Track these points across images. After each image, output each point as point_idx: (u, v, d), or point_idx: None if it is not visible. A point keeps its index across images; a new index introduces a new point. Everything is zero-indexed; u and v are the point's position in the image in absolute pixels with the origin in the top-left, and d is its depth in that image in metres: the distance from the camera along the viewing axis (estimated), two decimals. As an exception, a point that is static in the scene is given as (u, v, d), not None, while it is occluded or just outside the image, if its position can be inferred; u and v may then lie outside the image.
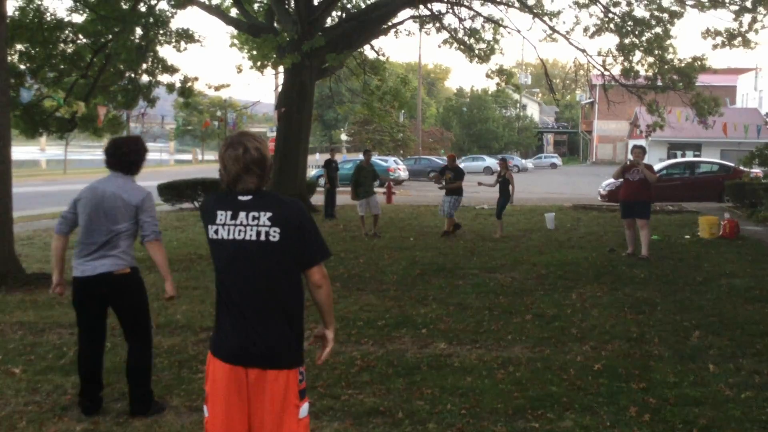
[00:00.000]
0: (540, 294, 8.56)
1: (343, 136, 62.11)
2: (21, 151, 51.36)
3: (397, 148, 49.58)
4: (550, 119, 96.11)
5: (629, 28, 19.65)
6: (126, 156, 4.62)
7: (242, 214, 2.95)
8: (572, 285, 9.07)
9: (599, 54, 22.88)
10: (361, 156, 45.16)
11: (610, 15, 20.01)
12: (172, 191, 20.47)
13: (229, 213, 2.97)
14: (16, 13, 12.93)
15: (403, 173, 37.93)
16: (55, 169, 53.59)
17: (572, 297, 8.34)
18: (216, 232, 2.97)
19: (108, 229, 4.50)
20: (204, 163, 64.79)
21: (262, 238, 2.92)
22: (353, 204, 16.38)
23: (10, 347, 6.30)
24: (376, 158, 39.50)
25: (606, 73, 20.98)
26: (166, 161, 68.09)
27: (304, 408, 3.01)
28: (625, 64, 20.16)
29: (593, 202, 22.75)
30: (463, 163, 50.28)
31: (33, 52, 13.04)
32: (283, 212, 2.95)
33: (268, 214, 2.94)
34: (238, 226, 2.94)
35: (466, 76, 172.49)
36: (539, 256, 11.53)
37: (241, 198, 2.98)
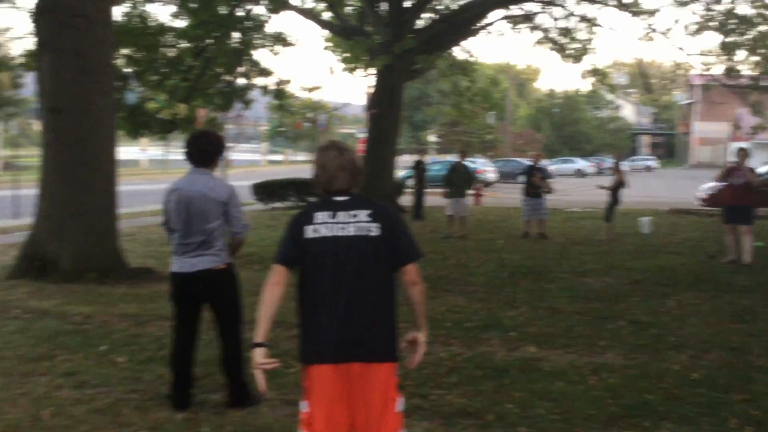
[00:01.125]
0: (635, 300, 8.32)
1: (432, 138, 62.11)
2: (123, 151, 53.72)
3: (486, 150, 49.18)
4: (646, 120, 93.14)
5: (732, 26, 18.83)
6: (204, 147, 4.72)
7: (341, 213, 3.05)
8: (669, 291, 8.78)
9: (700, 53, 22.10)
10: (450, 157, 44.91)
11: (712, 13, 19.23)
12: (265, 190, 21.00)
13: (329, 213, 3.07)
14: (123, 18, 13.57)
15: (492, 175, 37.60)
16: (155, 169, 55.85)
17: (669, 304, 8.07)
18: (315, 230, 3.05)
19: (202, 228, 4.61)
20: (295, 164, 66.14)
21: (363, 232, 3.01)
22: (441, 205, 16.37)
23: (114, 338, 6.62)
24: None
25: (707, 73, 20.20)
26: (259, 161, 69.86)
27: (401, 401, 3.08)
28: (728, 63, 19.34)
29: (690, 206, 21.90)
30: (553, 166, 49.46)
31: (138, 56, 13.64)
32: (380, 210, 3.08)
33: (367, 211, 3.05)
34: (339, 223, 3.04)
35: (557, 77, 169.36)
36: (634, 261, 11.21)
37: (336, 199, 3.08)
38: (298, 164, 63.45)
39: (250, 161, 65.33)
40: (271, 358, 3.03)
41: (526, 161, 42.91)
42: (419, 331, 3.19)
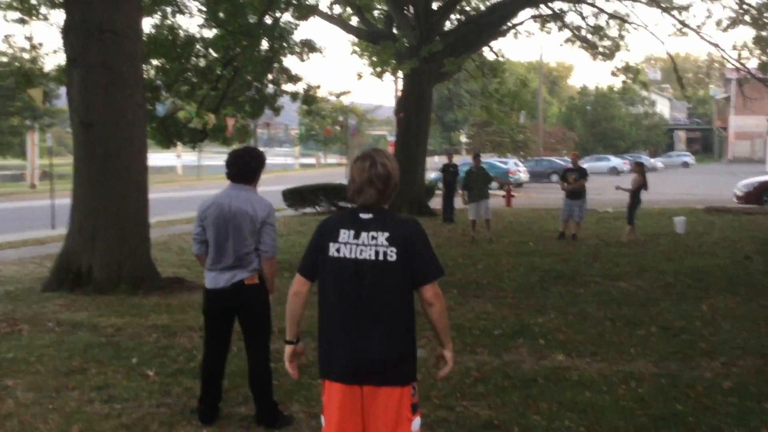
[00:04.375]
0: (667, 304, 8.19)
1: (463, 138, 61.87)
2: (159, 157, 54.35)
3: (518, 150, 48.81)
4: (681, 116, 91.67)
5: (766, 20, 18.47)
6: (247, 164, 4.69)
7: (364, 234, 3.03)
8: (702, 295, 8.63)
9: (734, 48, 21.72)
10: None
11: (745, 6, 18.87)
12: (296, 196, 21.13)
13: (352, 232, 3.06)
14: (152, 30, 13.78)
15: (524, 175, 37.34)
16: (190, 175, 56.53)
17: (702, 308, 7.93)
18: (338, 250, 3.06)
19: (238, 244, 4.59)
20: (327, 167, 66.48)
21: (380, 257, 3.00)
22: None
23: (144, 350, 6.70)
24: (495, 160, 39.19)
25: (740, 67, 19.82)
26: (291, 165, 70.41)
27: (416, 422, 3.07)
28: (763, 57, 18.96)
29: (729, 204, 21.50)
30: (586, 164, 48.91)
31: (168, 67, 13.83)
32: (399, 232, 3.03)
33: (386, 234, 3.02)
34: (360, 245, 3.03)
35: (590, 74, 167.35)
36: (667, 263, 11.04)
37: (362, 216, 3.08)
38: (330, 167, 63.80)
39: (282, 165, 65.90)
40: (301, 354, 3.44)
41: (558, 160, 42.64)
42: (444, 347, 3.20)
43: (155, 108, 12.24)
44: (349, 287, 3.03)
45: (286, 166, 67.41)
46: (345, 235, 3.06)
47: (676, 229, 15.06)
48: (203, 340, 4.98)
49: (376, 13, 23.69)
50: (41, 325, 7.64)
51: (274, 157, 50.16)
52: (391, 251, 3.00)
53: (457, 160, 25.09)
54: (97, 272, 9.26)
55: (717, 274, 9.94)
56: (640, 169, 14.46)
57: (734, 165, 56.94)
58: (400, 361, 3.03)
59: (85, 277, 9.29)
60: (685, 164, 61.99)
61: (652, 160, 58.14)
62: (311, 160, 79.75)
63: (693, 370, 5.80)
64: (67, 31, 9.29)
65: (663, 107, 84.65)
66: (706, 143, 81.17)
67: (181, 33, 14.38)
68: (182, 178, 53.74)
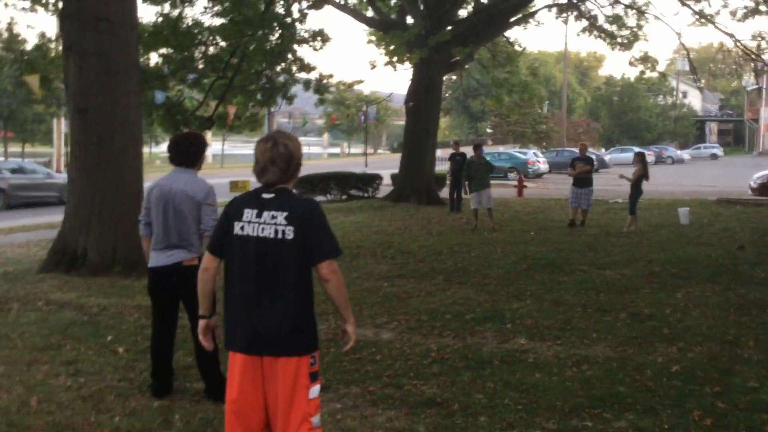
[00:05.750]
0: (644, 292, 8.22)
1: (488, 129, 61.67)
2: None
3: (540, 140, 48.51)
4: (713, 107, 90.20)
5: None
6: (187, 149, 4.89)
7: (265, 213, 3.18)
8: (683, 284, 8.63)
9: (753, 38, 21.37)
10: (502, 148, 44.52)
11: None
12: (306, 184, 21.32)
13: (255, 211, 3.21)
14: (159, 18, 13.98)
15: (543, 166, 37.12)
16: (216, 164, 57.39)
17: (677, 296, 7.95)
18: (242, 228, 3.21)
19: (178, 224, 4.79)
20: (352, 157, 66.82)
21: (279, 236, 3.15)
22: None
23: (123, 328, 6.92)
24: (515, 150, 39.03)
25: (756, 57, 19.53)
26: (319, 155, 71.14)
27: (315, 389, 3.22)
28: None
29: (741, 196, 21.23)
30: (609, 155, 48.50)
31: (173, 56, 14.07)
32: (297, 212, 3.17)
33: (285, 214, 3.16)
34: (261, 224, 3.18)
35: (622, 64, 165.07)
36: (659, 252, 11.01)
37: (264, 196, 3.22)
38: (354, 157, 64.09)
39: (307, 155, 66.49)
40: (215, 327, 3.67)
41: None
42: (345, 322, 3.34)
43: (154, 96, 12.46)
44: (252, 264, 3.19)
45: (311, 155, 67.91)
46: (248, 214, 3.21)
47: (681, 219, 14.96)
48: (151, 321, 5.17)
49: (392, 1, 23.73)
50: (30, 304, 7.92)
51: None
52: (289, 230, 3.14)
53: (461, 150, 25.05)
54: (91, 255, 9.53)
55: (704, 264, 9.91)
56: (640, 159, 14.41)
57: (764, 157, 55.89)
58: (297, 333, 3.17)
59: (80, 259, 9.56)
60: (714, 156, 61.12)
61: (679, 152, 57.41)
62: (337, 150, 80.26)
63: (648, 355, 5.85)
64: (64, 20, 9.55)
65: (694, 99, 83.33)
66: (738, 135, 79.79)
67: (189, 22, 14.57)
68: (210, 167, 54.53)
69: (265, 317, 3.16)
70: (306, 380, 3.18)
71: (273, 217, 3.16)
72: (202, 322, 3.58)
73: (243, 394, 3.18)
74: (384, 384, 5.25)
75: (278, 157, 3.21)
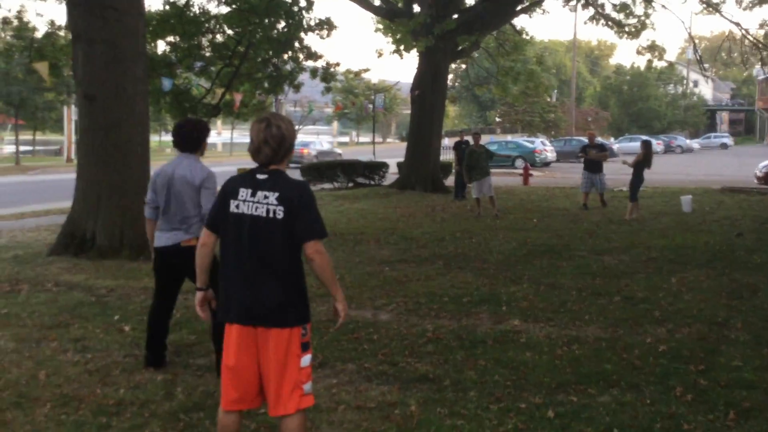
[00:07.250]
0: (640, 277, 8.36)
1: (497, 118, 61.59)
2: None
3: (548, 129, 48.47)
4: (725, 96, 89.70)
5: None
6: (189, 134, 5.10)
7: (259, 193, 3.36)
8: (679, 269, 8.77)
9: (760, 26, 21.37)
10: (510, 137, 44.51)
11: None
12: (314, 172, 21.53)
13: (250, 191, 3.39)
14: (166, 7, 14.13)
15: (550, 155, 37.15)
16: (225, 152, 57.78)
17: (672, 281, 8.09)
18: (237, 206, 3.40)
19: (179, 207, 5.01)
20: (361, 145, 66.88)
21: (270, 215, 3.34)
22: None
23: (129, 308, 7.14)
24: (522, 139, 39.02)
25: (763, 47, 19.54)
26: (331, 143, 71.31)
27: (306, 358, 3.42)
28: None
29: (746, 184, 21.27)
30: (617, 144, 48.41)
31: (180, 43, 14.24)
32: (287, 193, 3.35)
33: (276, 194, 3.35)
34: (255, 203, 3.36)
35: (633, 53, 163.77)
36: (658, 239, 11.14)
37: (258, 176, 3.40)
38: (362, 145, 64.15)
39: (317, 143, 66.54)
40: (212, 299, 3.88)
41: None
42: (335, 300, 3.53)
43: (161, 83, 12.64)
44: (246, 240, 3.37)
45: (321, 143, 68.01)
46: (244, 193, 3.40)
47: (683, 207, 15.06)
48: (153, 296, 5.41)
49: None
50: (40, 285, 8.14)
51: (304, 135, 50.72)
52: (279, 210, 3.32)
53: (483, 139, 25.15)
54: (99, 238, 9.75)
55: (702, 250, 10.04)
56: (645, 146, 14.50)
57: (773, 147, 55.71)
58: (288, 305, 3.37)
59: (89, 242, 9.78)
60: (724, 145, 60.94)
61: (689, 141, 57.22)
62: (346, 139, 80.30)
63: (638, 335, 6.01)
64: (72, 8, 9.73)
65: (705, 88, 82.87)
66: (749, 125, 79.42)
67: (196, 10, 14.70)
68: (218, 155, 54.86)
69: (258, 292, 3.34)
70: (297, 349, 3.37)
71: (266, 197, 3.34)
72: (199, 294, 3.78)
73: (239, 361, 3.37)
74: (379, 361, 5.44)
75: (270, 138, 3.38)
